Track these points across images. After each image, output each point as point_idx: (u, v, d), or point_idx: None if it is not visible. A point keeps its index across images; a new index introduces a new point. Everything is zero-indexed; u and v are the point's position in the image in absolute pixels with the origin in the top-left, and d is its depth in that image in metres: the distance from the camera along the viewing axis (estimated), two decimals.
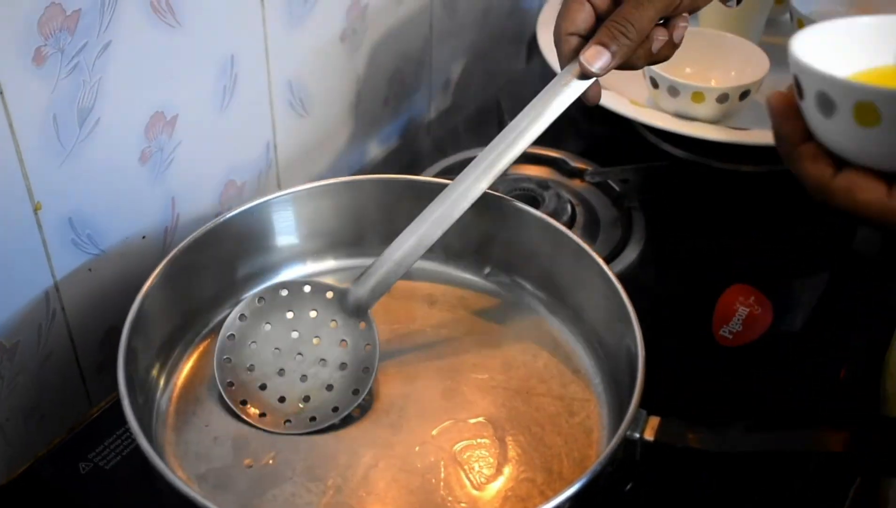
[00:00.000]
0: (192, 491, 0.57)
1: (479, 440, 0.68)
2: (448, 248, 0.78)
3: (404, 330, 0.76)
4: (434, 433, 0.69)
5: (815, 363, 0.81)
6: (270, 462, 0.67)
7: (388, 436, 0.69)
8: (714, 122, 0.94)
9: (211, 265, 0.75)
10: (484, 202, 0.72)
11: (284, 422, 0.69)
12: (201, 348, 0.74)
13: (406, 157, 1.04)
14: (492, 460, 0.67)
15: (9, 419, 0.72)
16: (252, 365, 0.71)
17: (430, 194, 0.71)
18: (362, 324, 0.71)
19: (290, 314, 0.72)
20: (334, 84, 0.92)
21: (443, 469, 0.67)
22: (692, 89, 0.91)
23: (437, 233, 0.70)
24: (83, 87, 0.68)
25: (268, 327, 0.71)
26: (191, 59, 0.76)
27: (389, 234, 0.74)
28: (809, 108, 0.54)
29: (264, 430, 0.68)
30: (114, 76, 0.70)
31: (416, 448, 0.68)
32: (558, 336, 0.76)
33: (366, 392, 0.69)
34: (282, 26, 0.83)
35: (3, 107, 0.63)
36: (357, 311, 0.71)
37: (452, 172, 0.93)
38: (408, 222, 0.72)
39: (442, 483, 0.66)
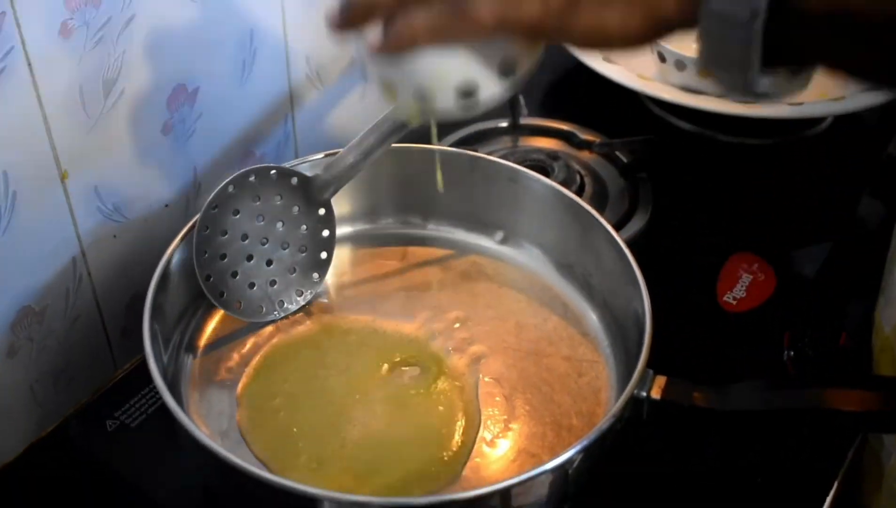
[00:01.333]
0: (215, 445, 0.59)
1: (490, 399, 0.71)
2: (461, 214, 0.80)
3: (418, 294, 0.79)
4: (446, 388, 0.71)
5: (817, 328, 0.83)
6: (291, 416, 0.69)
7: (403, 393, 0.71)
8: (720, 95, 0.96)
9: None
10: (497, 171, 0.75)
11: (259, 308, 0.74)
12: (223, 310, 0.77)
13: (420, 128, 1.06)
14: (504, 417, 0.70)
15: (38, 381, 0.75)
16: (224, 254, 0.74)
17: (442, 162, 0.74)
18: (322, 210, 0.75)
19: (257, 202, 0.74)
20: (349, 59, 0.94)
21: (455, 423, 0.69)
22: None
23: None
24: (108, 59, 0.70)
25: (237, 215, 0.74)
26: (211, 34, 0.78)
27: (404, 202, 0.76)
28: None
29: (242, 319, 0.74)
30: (137, 49, 0.72)
31: (430, 405, 0.70)
32: (568, 300, 0.78)
33: (325, 277, 0.76)
34: (299, 2, 0.85)
35: (31, 79, 0.66)
36: (319, 197, 0.75)
37: (467, 143, 0.95)
38: (421, 189, 0.74)
39: (454, 436, 0.68)
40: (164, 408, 0.73)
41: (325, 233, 0.77)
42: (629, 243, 0.73)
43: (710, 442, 0.75)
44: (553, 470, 0.60)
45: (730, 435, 0.75)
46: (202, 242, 0.73)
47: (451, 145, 0.94)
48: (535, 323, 0.77)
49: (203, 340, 0.75)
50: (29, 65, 0.65)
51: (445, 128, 1.00)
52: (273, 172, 0.74)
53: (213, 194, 0.73)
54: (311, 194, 0.75)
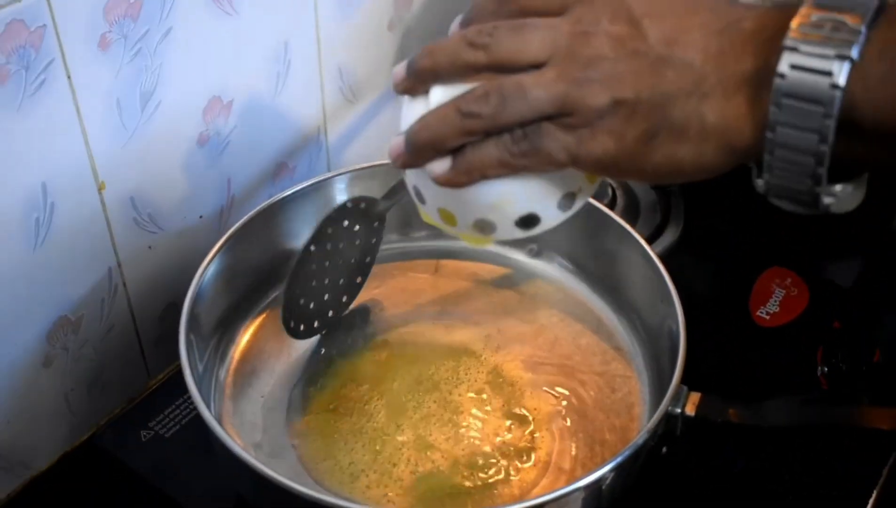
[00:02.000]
0: (249, 457, 0.60)
1: (523, 414, 0.71)
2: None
3: (452, 307, 0.79)
4: (481, 405, 0.71)
5: (850, 344, 0.82)
6: (324, 431, 0.70)
7: (436, 406, 0.71)
8: None
9: (265, 244, 0.78)
10: None
11: (314, 325, 0.75)
12: (258, 321, 0.78)
13: None
14: (537, 433, 0.70)
15: (73, 389, 0.76)
16: (298, 290, 0.74)
17: None
18: (375, 223, 0.76)
19: (330, 230, 0.75)
20: (382, 71, 0.94)
21: (488, 440, 0.69)
22: None
23: None
24: (145, 71, 0.71)
25: (312, 247, 0.74)
26: (246, 46, 0.78)
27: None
28: None
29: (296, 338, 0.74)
30: (174, 62, 0.72)
31: (465, 417, 0.70)
32: (601, 315, 0.78)
33: (366, 279, 0.76)
34: (332, 14, 0.85)
35: (70, 90, 0.66)
36: (378, 213, 0.76)
37: None
38: None
39: (488, 448, 0.68)
40: (197, 419, 0.73)
41: (373, 240, 0.77)
42: (661, 258, 0.73)
43: (742, 459, 0.74)
44: (586, 487, 0.60)
45: (763, 452, 0.75)
46: (288, 290, 0.74)
47: None
48: (567, 338, 0.77)
49: (238, 351, 0.75)
50: (68, 77, 0.66)
51: None
52: (349, 202, 0.75)
53: (311, 233, 0.74)
54: (372, 211, 0.75)
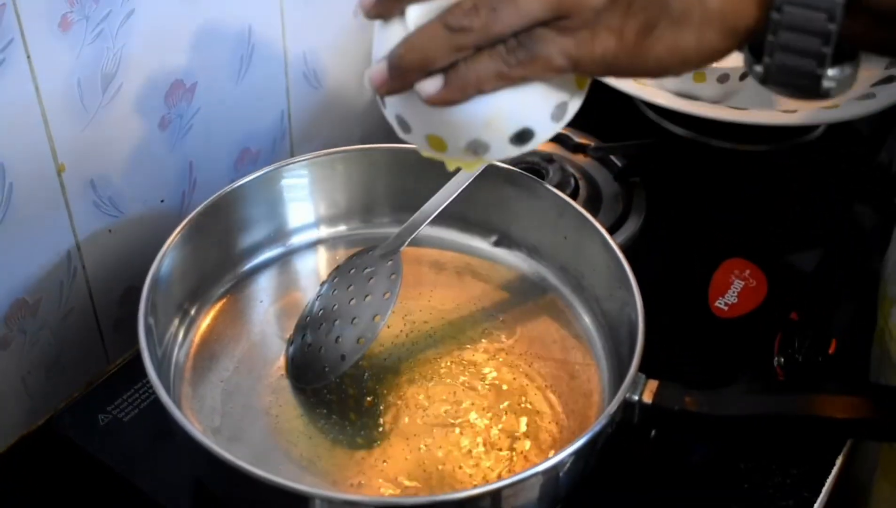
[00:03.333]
0: (208, 441, 0.60)
1: (482, 401, 0.71)
2: (456, 216, 0.80)
3: (412, 295, 0.79)
4: (439, 393, 0.72)
5: (807, 335, 0.83)
6: (283, 416, 0.70)
7: (395, 395, 0.71)
8: (714, 101, 0.96)
9: (227, 228, 0.78)
10: (492, 173, 0.75)
11: (322, 369, 0.71)
12: (218, 306, 0.77)
13: None
14: (496, 418, 0.70)
15: (31, 373, 0.75)
16: (304, 335, 0.73)
17: (439, 163, 0.73)
18: (389, 261, 0.73)
19: (336, 279, 0.74)
20: (347, 57, 0.94)
21: (447, 430, 0.69)
22: None
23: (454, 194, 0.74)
24: (107, 53, 0.70)
25: (318, 299, 0.74)
26: (209, 29, 0.78)
27: (400, 201, 0.76)
28: None
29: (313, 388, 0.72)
30: (136, 44, 0.72)
31: (423, 410, 0.71)
32: (561, 303, 0.79)
33: (385, 318, 0.70)
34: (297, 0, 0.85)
35: (30, 71, 0.66)
36: (387, 254, 0.74)
37: None
38: (419, 189, 0.74)
39: (446, 443, 0.69)
40: (156, 403, 0.73)
41: (392, 277, 0.73)
42: (622, 248, 0.74)
43: (699, 446, 0.75)
44: (544, 472, 0.60)
45: (719, 440, 0.76)
46: (294, 338, 0.74)
47: None
48: (528, 325, 0.77)
49: (197, 336, 0.75)
50: (28, 57, 0.65)
51: None
52: (355, 257, 0.75)
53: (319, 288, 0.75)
54: (384, 252, 0.74)
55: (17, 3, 0.63)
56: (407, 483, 0.66)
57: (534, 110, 0.54)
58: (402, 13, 0.53)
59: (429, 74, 0.52)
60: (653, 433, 0.68)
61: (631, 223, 0.90)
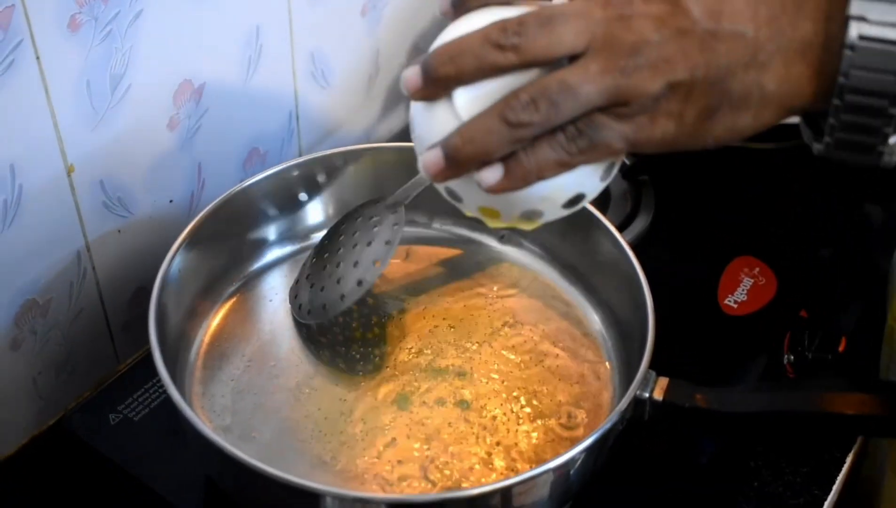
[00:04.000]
0: (219, 440, 0.60)
1: (492, 399, 0.71)
2: (464, 214, 0.80)
3: (420, 293, 0.79)
4: (448, 392, 0.72)
5: (817, 333, 0.83)
6: (293, 414, 0.70)
7: (404, 395, 0.71)
8: None
9: (236, 228, 0.78)
10: None
11: (322, 307, 0.73)
12: (228, 305, 0.77)
13: None
14: (506, 416, 0.70)
15: (41, 373, 0.75)
16: (308, 274, 0.76)
17: None
18: (394, 212, 0.74)
19: (343, 226, 0.76)
20: (355, 57, 0.94)
21: (458, 427, 0.69)
22: None
23: None
24: (115, 54, 0.70)
25: (325, 242, 0.77)
26: (218, 30, 0.78)
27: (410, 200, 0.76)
28: None
29: (308, 321, 0.75)
30: (144, 44, 0.72)
31: (432, 407, 0.71)
32: (570, 301, 0.79)
33: (384, 264, 0.73)
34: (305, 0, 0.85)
35: (39, 72, 0.66)
36: (393, 205, 0.74)
37: None
38: (427, 188, 0.74)
39: (454, 438, 0.68)
40: (167, 402, 0.73)
41: (395, 226, 0.74)
42: (631, 246, 0.74)
43: (709, 445, 0.75)
44: (555, 470, 0.60)
45: (729, 437, 0.76)
46: (300, 274, 0.77)
47: None
48: (537, 323, 0.77)
49: (207, 335, 0.75)
50: (37, 58, 0.65)
51: None
52: (364, 206, 0.76)
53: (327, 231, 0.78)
54: (390, 203, 0.75)
55: (27, 4, 0.63)
56: (418, 482, 0.66)
57: (587, 179, 0.55)
58: (448, 96, 0.53)
59: (487, 164, 0.52)
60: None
61: (639, 222, 0.90)
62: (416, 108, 0.56)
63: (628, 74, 0.49)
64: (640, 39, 0.49)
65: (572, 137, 0.51)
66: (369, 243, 0.73)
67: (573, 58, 0.50)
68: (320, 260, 0.76)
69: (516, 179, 0.52)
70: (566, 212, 0.57)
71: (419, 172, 0.56)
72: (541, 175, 0.52)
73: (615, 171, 0.57)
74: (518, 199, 0.55)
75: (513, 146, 0.51)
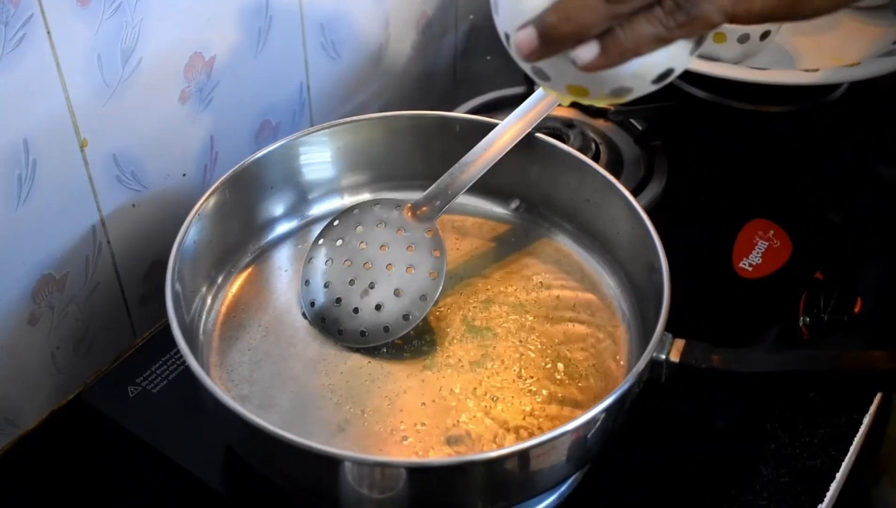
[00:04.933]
0: (239, 408, 0.60)
1: (509, 363, 0.71)
2: (479, 181, 0.80)
3: None
4: (462, 357, 0.72)
5: (832, 295, 0.83)
6: (311, 383, 0.70)
7: (422, 360, 0.71)
8: (735, 62, 0.95)
9: (251, 198, 0.78)
10: None
11: (360, 333, 0.71)
12: (244, 275, 0.77)
13: (432, 99, 1.06)
14: (523, 380, 0.70)
15: (59, 348, 0.76)
16: (328, 282, 0.74)
17: (462, 129, 0.74)
18: (429, 233, 0.73)
19: (359, 229, 0.75)
20: (364, 27, 0.94)
21: (474, 390, 0.70)
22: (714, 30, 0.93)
23: (497, 155, 0.74)
24: (125, 27, 0.70)
25: (339, 242, 0.75)
26: (227, 1, 0.78)
27: (423, 169, 0.76)
28: None
29: (344, 346, 0.72)
30: (154, 17, 0.72)
31: (449, 371, 0.71)
32: (585, 266, 0.79)
33: (434, 300, 0.71)
34: None
35: (50, 47, 0.66)
36: (423, 221, 0.74)
37: (482, 111, 0.95)
38: (440, 157, 0.74)
39: (472, 405, 0.69)
40: (185, 374, 0.74)
41: (436, 254, 0.73)
42: (644, 211, 0.73)
43: (725, 408, 0.75)
44: (572, 432, 0.60)
45: (746, 398, 0.76)
46: (305, 273, 0.74)
47: (467, 113, 0.94)
48: (553, 288, 0.77)
49: (224, 305, 0.75)
50: (48, 33, 0.65)
51: (457, 100, 1.00)
52: (377, 205, 0.75)
53: (320, 231, 0.76)
54: (415, 218, 0.74)
55: None
56: (438, 447, 0.66)
57: (679, 54, 0.54)
58: None
59: (582, 41, 0.51)
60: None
61: (653, 187, 0.90)
62: None
63: None
64: None
65: (670, 10, 0.49)
66: (409, 270, 0.73)
67: None
68: (340, 266, 0.74)
69: (613, 56, 0.51)
70: (655, 87, 0.56)
71: (510, 51, 0.54)
72: (637, 51, 0.51)
73: (702, 46, 0.56)
74: (609, 75, 0.54)
75: (610, 22, 0.50)
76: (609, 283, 0.77)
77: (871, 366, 0.63)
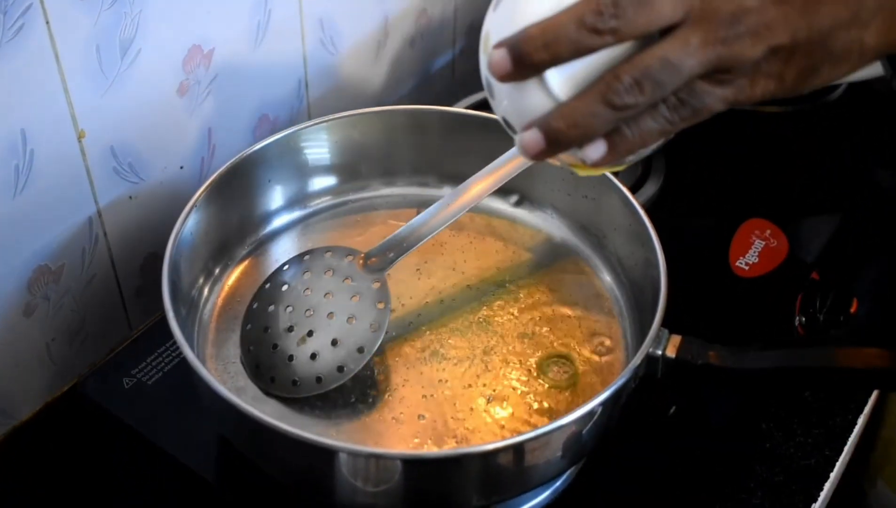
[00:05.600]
0: (235, 399, 0.60)
1: (504, 358, 0.71)
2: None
3: (433, 255, 0.79)
4: (460, 351, 0.72)
5: (828, 295, 0.83)
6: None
7: (420, 353, 0.72)
8: None
9: (247, 192, 0.78)
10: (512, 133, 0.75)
11: (292, 383, 0.68)
12: (240, 268, 0.77)
13: (431, 97, 1.06)
14: (518, 375, 0.70)
15: (54, 339, 0.76)
16: (267, 327, 0.70)
17: (458, 125, 0.74)
18: (376, 284, 0.71)
19: (307, 275, 0.72)
20: (363, 22, 0.94)
21: (468, 386, 0.70)
22: None
23: (455, 214, 0.72)
24: (125, 18, 0.70)
25: (284, 288, 0.72)
26: None
27: (420, 164, 0.76)
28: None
29: (275, 395, 0.68)
30: (154, 9, 0.72)
31: (447, 364, 0.71)
32: (581, 262, 0.79)
33: (371, 353, 0.68)
34: None
35: (49, 37, 0.66)
36: (372, 272, 0.71)
37: (480, 107, 0.95)
38: (437, 152, 0.74)
39: (468, 398, 0.69)
40: (180, 366, 0.74)
41: (379, 306, 0.70)
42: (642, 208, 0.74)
43: (720, 406, 0.75)
44: (567, 426, 0.60)
45: (742, 395, 0.76)
46: (249, 316, 0.72)
47: (465, 109, 0.94)
48: (549, 284, 0.77)
49: (220, 298, 0.75)
50: (47, 23, 0.65)
51: (455, 97, 1.00)
52: (328, 252, 0.73)
53: (269, 274, 0.73)
54: (364, 268, 0.71)
55: None
56: (433, 439, 0.66)
57: None
58: (540, 75, 0.52)
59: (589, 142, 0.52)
60: (672, 409, 0.70)
61: (650, 185, 0.90)
62: (503, 85, 0.54)
63: (729, 43, 0.49)
64: (738, 7, 0.49)
65: (674, 106, 0.50)
66: (350, 320, 0.69)
67: (668, 27, 0.50)
68: (281, 311, 0.71)
69: (621, 153, 0.52)
70: (650, 152, 0.56)
71: (515, 149, 0.55)
72: (644, 145, 0.52)
73: None
74: None
75: (616, 124, 0.51)
76: (605, 278, 0.77)
77: (867, 364, 0.63)
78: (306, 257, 0.73)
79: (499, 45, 0.51)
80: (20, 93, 0.66)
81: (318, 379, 0.68)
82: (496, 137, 0.77)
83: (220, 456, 0.71)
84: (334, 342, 0.69)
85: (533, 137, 0.52)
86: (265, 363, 0.69)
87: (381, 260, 0.71)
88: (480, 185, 0.71)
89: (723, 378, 0.65)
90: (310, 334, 0.69)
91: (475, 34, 1.13)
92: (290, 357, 0.69)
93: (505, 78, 0.51)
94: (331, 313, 0.70)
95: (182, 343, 0.62)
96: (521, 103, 0.53)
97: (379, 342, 0.69)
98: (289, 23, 0.85)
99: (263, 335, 0.70)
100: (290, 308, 0.71)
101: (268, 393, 0.69)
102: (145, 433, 0.71)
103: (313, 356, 0.69)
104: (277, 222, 0.81)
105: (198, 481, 0.70)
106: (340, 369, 0.68)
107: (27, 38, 0.64)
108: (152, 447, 0.71)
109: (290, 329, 0.70)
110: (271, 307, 0.71)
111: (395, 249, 0.71)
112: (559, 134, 0.51)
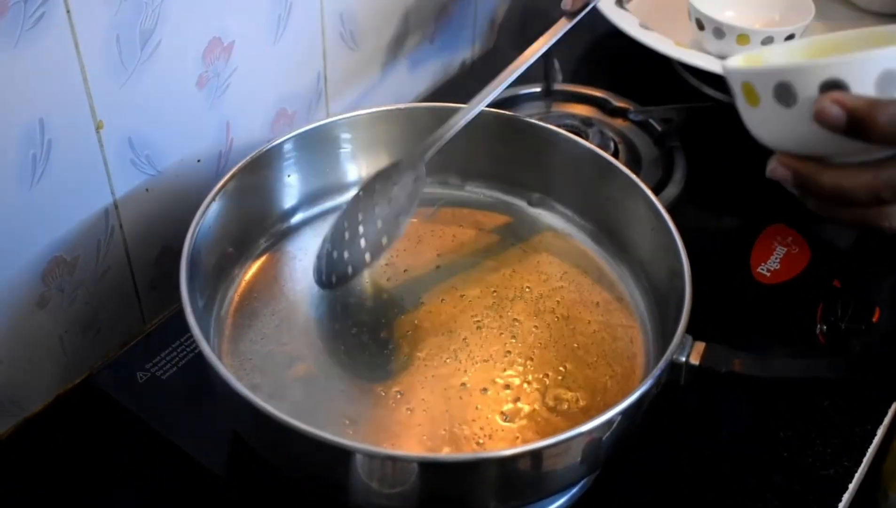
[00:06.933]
0: (252, 396, 0.59)
1: (523, 362, 0.71)
2: (496, 176, 0.79)
3: (452, 255, 0.78)
4: (480, 353, 0.71)
5: (850, 303, 0.82)
6: (322, 375, 0.69)
7: (437, 355, 0.71)
8: None
9: (265, 187, 0.77)
10: (533, 133, 0.74)
11: (347, 271, 0.71)
12: (258, 264, 0.77)
13: (449, 94, 1.05)
14: (538, 380, 0.69)
15: (67, 331, 0.75)
16: (330, 246, 0.73)
17: (480, 122, 0.73)
18: (412, 169, 0.72)
19: (362, 193, 0.74)
20: (383, 19, 0.93)
21: (487, 388, 0.69)
22: (738, 32, 0.92)
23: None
24: (145, 9, 0.69)
25: (343, 215, 0.74)
26: None
27: (441, 161, 0.75)
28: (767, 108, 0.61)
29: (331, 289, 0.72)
30: (174, 0, 0.71)
31: (464, 366, 0.70)
32: (602, 265, 0.78)
33: (409, 216, 0.71)
34: None
35: (69, 25, 0.65)
36: (416, 159, 0.73)
37: (501, 107, 0.94)
38: (458, 149, 0.73)
39: (487, 401, 0.68)
40: (194, 361, 0.73)
41: (416, 180, 0.72)
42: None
43: (738, 416, 0.74)
44: (588, 433, 0.59)
45: (759, 409, 0.75)
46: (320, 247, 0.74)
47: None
48: (569, 286, 0.76)
49: (237, 293, 0.74)
50: (68, 12, 0.64)
51: (480, 89, 0.99)
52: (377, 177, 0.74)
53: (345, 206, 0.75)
54: (408, 164, 0.73)
55: None
56: (450, 443, 0.65)
57: None
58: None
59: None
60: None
61: (671, 189, 0.89)
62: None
63: None
64: None
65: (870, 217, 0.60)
66: (390, 202, 0.72)
67: None
68: (339, 230, 0.74)
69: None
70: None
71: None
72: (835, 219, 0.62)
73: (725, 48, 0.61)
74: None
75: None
76: (626, 282, 0.77)
77: (891, 373, 0.62)
78: (365, 184, 0.75)
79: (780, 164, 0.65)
80: (39, 82, 0.65)
81: (368, 255, 0.71)
82: (518, 137, 0.77)
83: (232, 453, 0.71)
84: (378, 223, 0.71)
85: (782, 173, 0.65)
86: (328, 269, 0.72)
87: (417, 154, 0.73)
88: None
89: (747, 387, 0.65)
90: (358, 228, 0.72)
91: (494, 35, 1.13)
92: (345, 253, 0.72)
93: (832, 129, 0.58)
94: (375, 204, 0.72)
95: (199, 338, 0.61)
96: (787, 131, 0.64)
97: (414, 207, 0.71)
98: (309, 17, 0.84)
99: (328, 255, 0.73)
100: (345, 223, 0.73)
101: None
102: (159, 428, 0.70)
103: (362, 241, 0.71)
104: (295, 218, 0.80)
105: (209, 477, 0.69)
106: (385, 239, 0.71)
107: (48, 26, 0.63)
108: (165, 441, 0.70)
109: (344, 235, 0.72)
110: (333, 232, 0.73)
111: (432, 142, 0.73)
112: (820, 190, 0.61)
